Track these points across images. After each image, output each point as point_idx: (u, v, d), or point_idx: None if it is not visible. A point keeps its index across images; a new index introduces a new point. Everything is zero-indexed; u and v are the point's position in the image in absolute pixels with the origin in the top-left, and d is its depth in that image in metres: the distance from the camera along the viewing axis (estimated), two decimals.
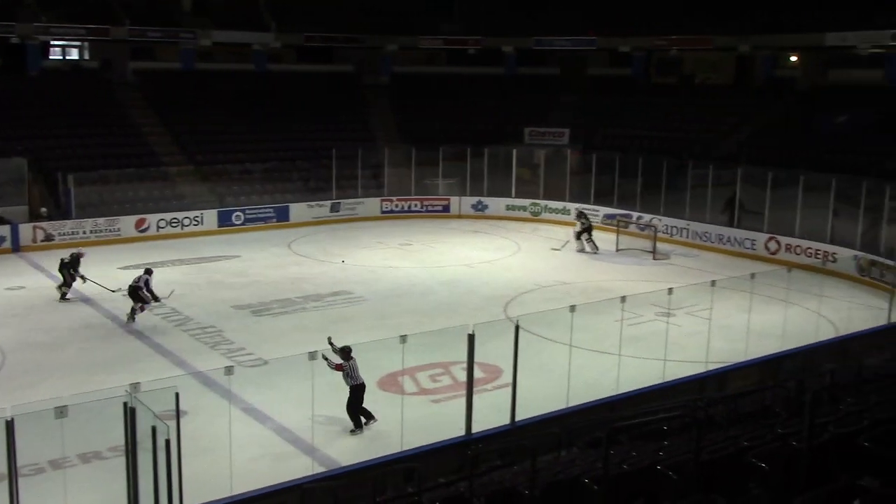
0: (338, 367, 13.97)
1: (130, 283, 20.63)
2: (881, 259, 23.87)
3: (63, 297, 22.09)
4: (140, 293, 20.34)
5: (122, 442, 10.34)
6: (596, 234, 29.07)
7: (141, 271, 20.97)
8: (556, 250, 28.57)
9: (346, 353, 14.17)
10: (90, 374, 16.54)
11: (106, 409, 11.13)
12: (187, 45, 39.48)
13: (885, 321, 19.97)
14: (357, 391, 14.18)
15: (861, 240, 25.29)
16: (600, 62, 47.57)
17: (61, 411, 9.54)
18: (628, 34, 42.29)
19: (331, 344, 14.39)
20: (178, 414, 10.32)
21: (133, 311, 20.25)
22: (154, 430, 9.77)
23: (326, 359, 13.66)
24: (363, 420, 14.34)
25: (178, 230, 30.29)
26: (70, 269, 22.15)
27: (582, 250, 28.45)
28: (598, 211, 32.67)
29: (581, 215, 29.43)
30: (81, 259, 22.37)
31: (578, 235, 28.74)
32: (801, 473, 6.04)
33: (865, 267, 24.42)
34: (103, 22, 37.46)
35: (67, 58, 44.62)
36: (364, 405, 14.29)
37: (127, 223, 29.55)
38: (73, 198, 29.54)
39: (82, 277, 22.16)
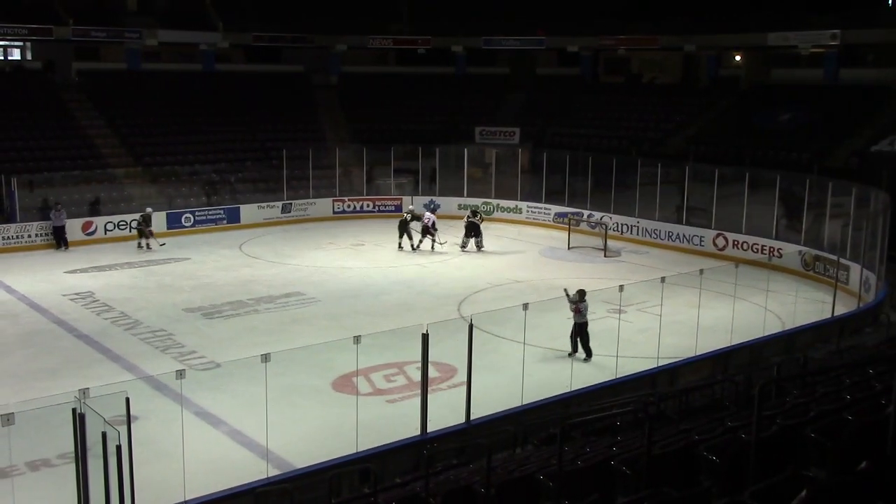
0: (575, 308, 17.33)
1: (422, 224, 27.72)
2: (825, 254, 24.40)
3: (433, 246, 27.78)
4: (431, 231, 27.60)
5: (72, 449, 10.15)
6: (549, 232, 29.28)
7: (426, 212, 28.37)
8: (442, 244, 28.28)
9: (581, 294, 17.36)
10: (37, 381, 16.21)
11: (54, 416, 10.95)
12: (132, 44, 38.89)
13: (829, 315, 20.45)
14: (583, 326, 17.46)
15: (805, 236, 25.83)
16: (549, 62, 47.95)
17: (7, 419, 9.33)
18: (576, 34, 42.68)
19: (567, 293, 17.61)
20: (128, 419, 10.17)
21: (433, 243, 27.66)
22: (104, 435, 9.62)
23: (568, 295, 17.41)
24: (580, 351, 17.56)
25: (126, 233, 29.78)
26: (408, 227, 27.99)
27: (465, 246, 28.33)
28: (549, 209, 32.92)
29: (475, 214, 29.06)
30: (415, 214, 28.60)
31: (470, 234, 28.35)
32: (750, 465, 6.16)
33: (810, 262, 24.96)
34: (46, 22, 36.75)
35: (9, 58, 43.72)
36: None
37: (73, 226, 28.98)
38: (17, 201, 28.90)
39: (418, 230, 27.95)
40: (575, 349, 17.65)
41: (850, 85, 36.80)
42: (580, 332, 17.51)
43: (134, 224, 29.07)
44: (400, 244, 28.31)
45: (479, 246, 28.30)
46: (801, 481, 5.15)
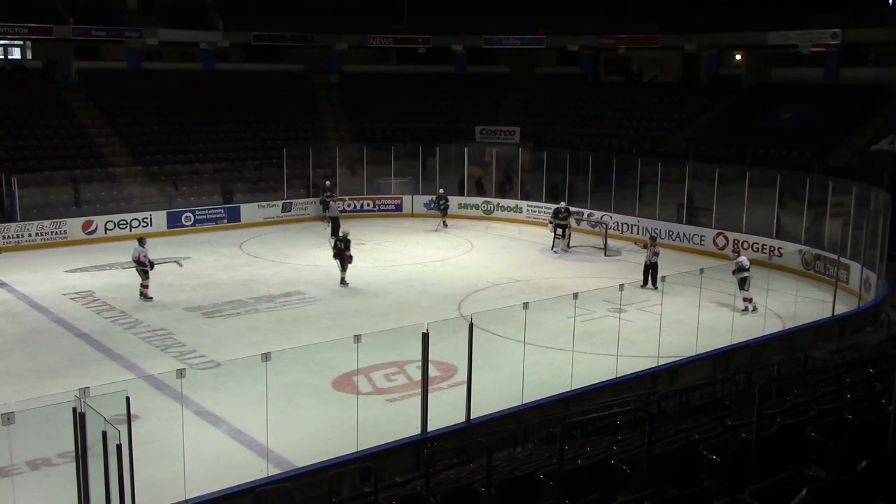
0: (652, 251, 22.97)
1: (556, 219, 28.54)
2: (825, 253, 24.39)
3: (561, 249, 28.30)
4: (567, 225, 28.64)
5: (72, 448, 10.15)
6: (547, 231, 29.30)
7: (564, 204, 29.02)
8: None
9: (653, 239, 23.59)
10: (38, 380, 16.21)
11: (55, 415, 10.94)
12: (133, 44, 38.91)
13: (830, 314, 20.44)
14: (654, 265, 22.70)
15: (805, 234, 25.82)
16: (549, 61, 47.93)
17: (8, 418, 9.33)
18: (577, 33, 42.67)
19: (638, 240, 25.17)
20: (129, 418, 10.17)
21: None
22: (105, 434, 9.62)
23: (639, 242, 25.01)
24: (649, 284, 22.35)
25: (126, 232, 29.74)
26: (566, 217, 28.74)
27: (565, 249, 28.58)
28: (549, 208, 32.87)
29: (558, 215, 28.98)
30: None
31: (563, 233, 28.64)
32: (750, 465, 6.16)
33: (810, 261, 24.95)
34: (46, 21, 36.76)
35: (9, 57, 43.71)
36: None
37: (73, 225, 28.99)
38: (18, 200, 28.90)
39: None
40: (646, 282, 22.17)
41: (850, 84, 36.77)
42: (652, 269, 22.51)
43: (434, 204, 33.34)
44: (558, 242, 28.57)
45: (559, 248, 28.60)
46: (801, 480, 5.15)
